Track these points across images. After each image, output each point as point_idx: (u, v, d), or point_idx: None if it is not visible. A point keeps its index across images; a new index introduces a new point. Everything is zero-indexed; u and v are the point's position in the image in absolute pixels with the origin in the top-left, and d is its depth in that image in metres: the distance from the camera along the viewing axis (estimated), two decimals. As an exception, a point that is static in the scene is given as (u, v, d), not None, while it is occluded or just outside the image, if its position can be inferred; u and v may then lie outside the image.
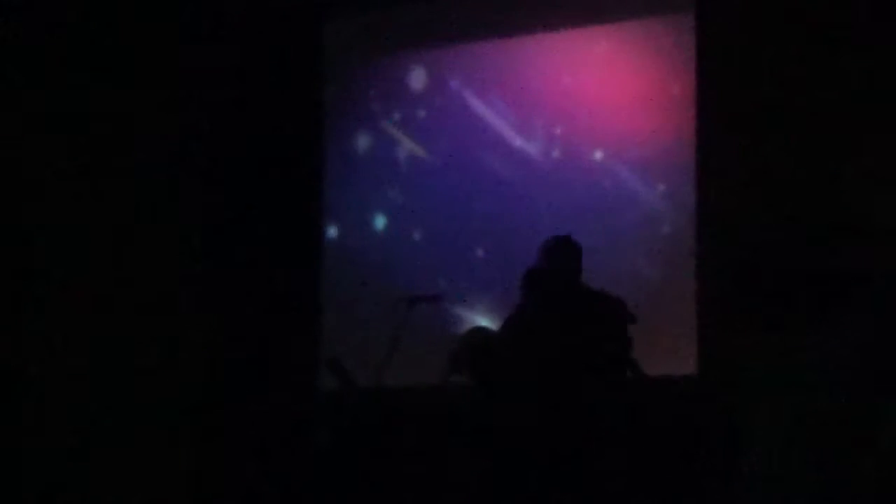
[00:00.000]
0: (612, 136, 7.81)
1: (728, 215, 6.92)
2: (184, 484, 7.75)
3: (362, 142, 8.56)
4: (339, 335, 8.28)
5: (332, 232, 8.53)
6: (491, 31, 8.20)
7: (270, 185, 8.42)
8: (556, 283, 6.28)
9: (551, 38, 8.07)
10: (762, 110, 7.05)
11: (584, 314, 6.20)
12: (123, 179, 7.88)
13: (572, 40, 8.01)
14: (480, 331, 6.67)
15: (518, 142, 8.07)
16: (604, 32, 7.93)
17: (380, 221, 8.42)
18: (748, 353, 3.42)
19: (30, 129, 7.61)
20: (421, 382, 7.52)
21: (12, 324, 7.51)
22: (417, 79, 8.42)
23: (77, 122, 7.76)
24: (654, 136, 7.64)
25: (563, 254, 6.30)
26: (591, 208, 7.79)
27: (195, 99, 8.16)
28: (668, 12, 7.69)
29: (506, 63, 8.13)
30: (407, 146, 8.39)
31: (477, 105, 8.22)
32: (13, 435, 7.38)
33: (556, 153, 7.95)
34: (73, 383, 7.58)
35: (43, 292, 7.63)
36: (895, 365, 3.21)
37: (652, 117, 7.70)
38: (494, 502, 6.24)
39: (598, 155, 7.82)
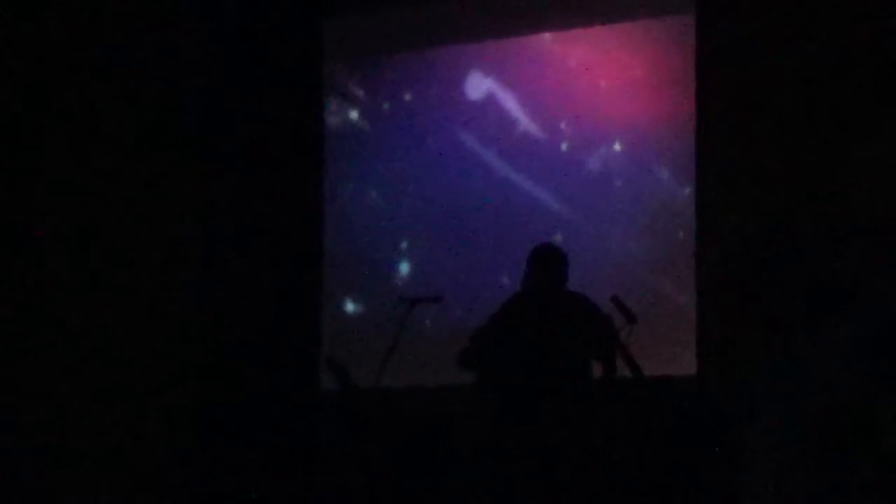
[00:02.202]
0: (614, 136, 7.82)
1: (728, 215, 6.92)
2: (184, 484, 7.75)
3: (363, 140, 8.57)
4: (339, 335, 8.28)
5: (332, 229, 8.53)
6: (492, 32, 8.20)
7: (270, 184, 8.41)
8: (541, 290, 6.42)
9: (552, 38, 8.07)
10: (762, 110, 7.05)
11: (565, 320, 6.29)
12: (123, 178, 7.87)
13: (572, 40, 8.01)
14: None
15: (515, 142, 8.07)
16: (604, 33, 7.94)
17: (382, 222, 8.42)
18: (748, 353, 3.41)
19: (30, 128, 7.61)
20: (421, 382, 7.53)
21: (11, 324, 7.51)
22: (420, 78, 8.42)
23: (77, 120, 7.76)
24: (661, 134, 7.65)
25: (549, 262, 6.42)
26: (594, 206, 7.80)
27: (194, 98, 8.15)
28: (669, 13, 7.70)
29: (505, 64, 8.14)
30: (409, 145, 8.40)
31: (475, 105, 8.22)
32: (12, 435, 7.37)
33: (561, 151, 7.95)
34: (73, 383, 7.57)
35: (42, 292, 7.63)
36: (895, 365, 3.20)
37: (654, 117, 7.70)
38: (494, 502, 6.25)
39: (604, 151, 7.83)
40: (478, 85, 8.22)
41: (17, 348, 7.45)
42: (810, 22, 6.95)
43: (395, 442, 7.18)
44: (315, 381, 8.20)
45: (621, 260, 7.63)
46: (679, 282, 7.35)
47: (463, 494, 6.52)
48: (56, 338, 7.60)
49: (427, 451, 7.04)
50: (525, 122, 8.08)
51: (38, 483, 7.36)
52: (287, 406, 7.98)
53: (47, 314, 7.61)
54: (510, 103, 8.13)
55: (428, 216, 8.26)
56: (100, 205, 7.80)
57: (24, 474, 7.33)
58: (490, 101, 8.19)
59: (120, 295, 7.76)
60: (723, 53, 7.24)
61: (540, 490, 6.10)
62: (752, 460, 3.31)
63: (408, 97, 8.42)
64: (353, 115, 8.61)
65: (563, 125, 7.97)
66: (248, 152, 8.39)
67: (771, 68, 7.04)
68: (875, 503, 3.17)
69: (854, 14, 6.84)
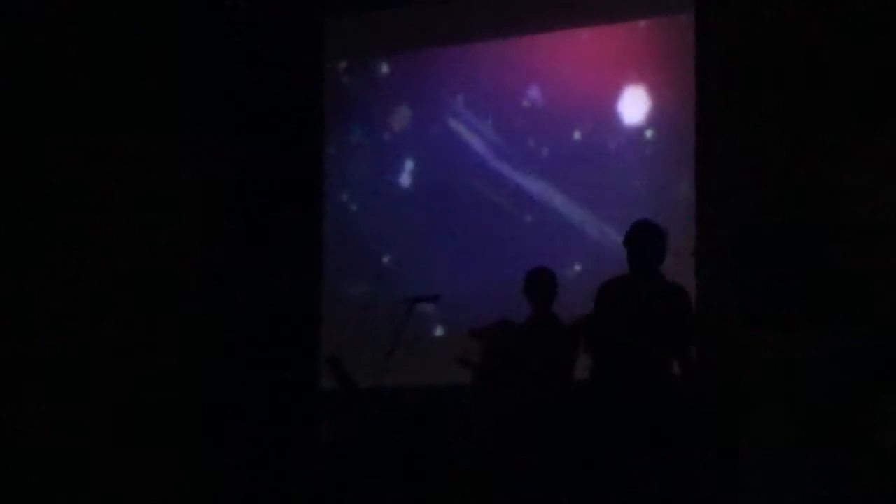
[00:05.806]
0: (613, 135, 7.82)
1: (727, 214, 6.92)
2: (184, 484, 7.75)
3: (364, 141, 8.56)
4: (339, 335, 8.28)
5: (332, 228, 8.53)
6: (492, 33, 8.20)
7: (271, 184, 8.42)
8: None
9: (551, 39, 8.07)
10: (762, 109, 7.05)
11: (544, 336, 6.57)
12: (123, 177, 7.88)
13: (572, 40, 8.01)
14: (506, 324, 6.78)
15: (515, 141, 8.07)
16: (604, 32, 7.93)
17: (383, 223, 8.41)
18: (748, 353, 3.42)
19: (31, 126, 7.61)
20: (421, 382, 7.53)
21: (12, 326, 7.51)
22: (419, 79, 8.42)
23: (78, 120, 7.76)
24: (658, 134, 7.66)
25: (540, 282, 6.78)
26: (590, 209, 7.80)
27: (195, 98, 8.16)
28: (669, 13, 7.70)
29: (504, 64, 8.13)
30: (411, 145, 8.40)
31: (472, 105, 8.22)
32: (11, 436, 7.38)
33: (564, 149, 7.95)
34: (73, 384, 7.58)
35: (42, 290, 7.63)
36: (895, 365, 3.21)
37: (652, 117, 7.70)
38: (493, 502, 6.25)
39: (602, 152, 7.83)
40: (482, 83, 8.23)
41: (17, 348, 7.45)
42: (810, 21, 6.95)
43: (395, 442, 7.18)
44: (315, 380, 8.21)
45: (621, 257, 7.63)
46: (679, 281, 7.34)
47: (463, 494, 6.53)
48: (55, 337, 7.60)
49: (427, 451, 7.04)
50: (522, 121, 8.09)
51: (37, 484, 7.36)
52: (287, 406, 7.98)
53: (46, 314, 7.61)
54: (510, 102, 8.13)
55: (426, 214, 8.25)
56: (99, 206, 7.80)
57: (22, 475, 7.34)
58: (490, 100, 8.20)
59: (119, 294, 7.76)
60: (723, 53, 7.25)
61: (539, 490, 6.10)
62: (751, 460, 3.31)
63: (407, 94, 8.42)
64: (350, 114, 8.61)
65: (563, 123, 7.97)
66: (247, 151, 8.39)
67: (771, 68, 7.04)
68: (875, 503, 3.17)
69: (854, 13, 6.85)
